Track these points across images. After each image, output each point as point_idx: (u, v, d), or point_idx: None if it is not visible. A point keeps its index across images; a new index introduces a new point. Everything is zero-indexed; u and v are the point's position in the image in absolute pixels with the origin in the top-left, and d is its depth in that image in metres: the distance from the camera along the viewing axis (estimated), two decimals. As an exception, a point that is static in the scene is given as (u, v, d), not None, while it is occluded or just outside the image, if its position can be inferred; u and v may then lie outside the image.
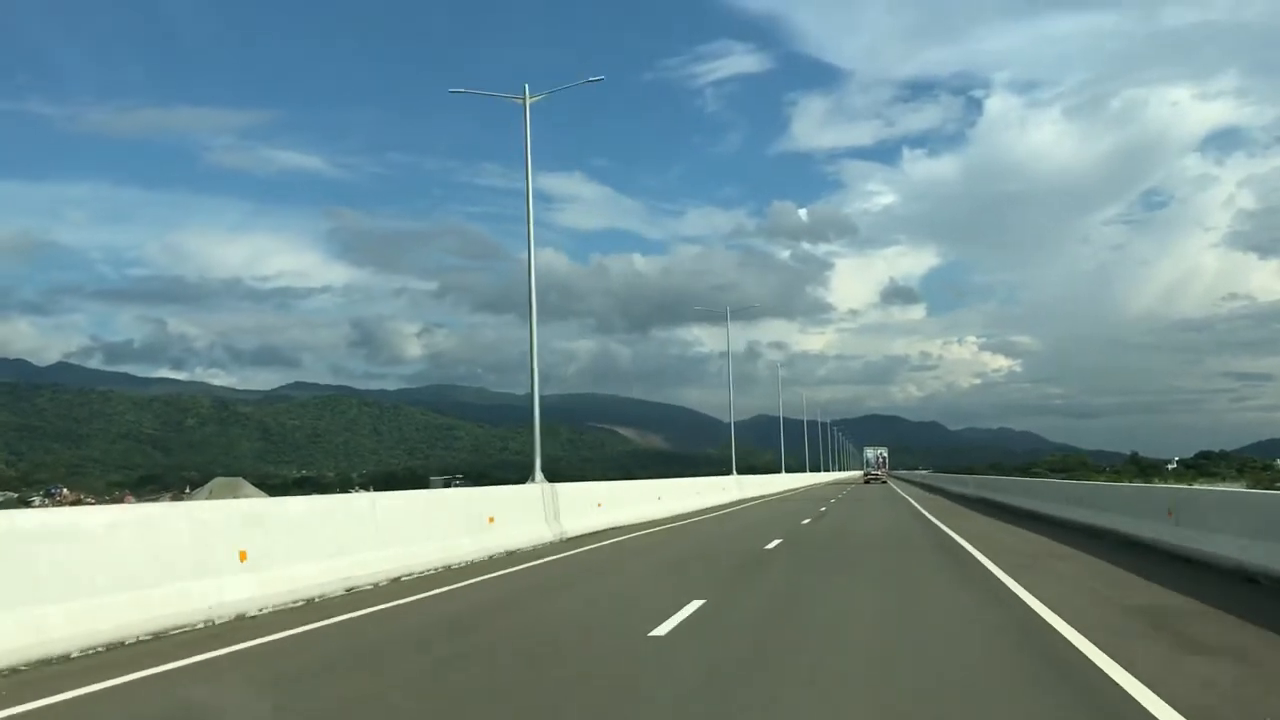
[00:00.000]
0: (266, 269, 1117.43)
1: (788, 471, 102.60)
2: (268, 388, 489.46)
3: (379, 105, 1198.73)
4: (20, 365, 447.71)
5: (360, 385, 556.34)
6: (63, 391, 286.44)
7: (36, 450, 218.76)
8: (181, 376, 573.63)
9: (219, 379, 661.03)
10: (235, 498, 65.08)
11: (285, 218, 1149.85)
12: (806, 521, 27.33)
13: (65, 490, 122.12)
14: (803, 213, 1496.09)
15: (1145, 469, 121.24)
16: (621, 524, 27.29)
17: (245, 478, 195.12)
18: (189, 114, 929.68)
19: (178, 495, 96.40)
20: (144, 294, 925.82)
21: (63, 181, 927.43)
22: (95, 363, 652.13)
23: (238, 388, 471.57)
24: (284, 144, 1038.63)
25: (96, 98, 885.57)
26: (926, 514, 30.20)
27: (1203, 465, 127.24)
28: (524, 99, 28.80)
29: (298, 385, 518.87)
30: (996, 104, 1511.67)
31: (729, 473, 66.76)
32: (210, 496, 78.67)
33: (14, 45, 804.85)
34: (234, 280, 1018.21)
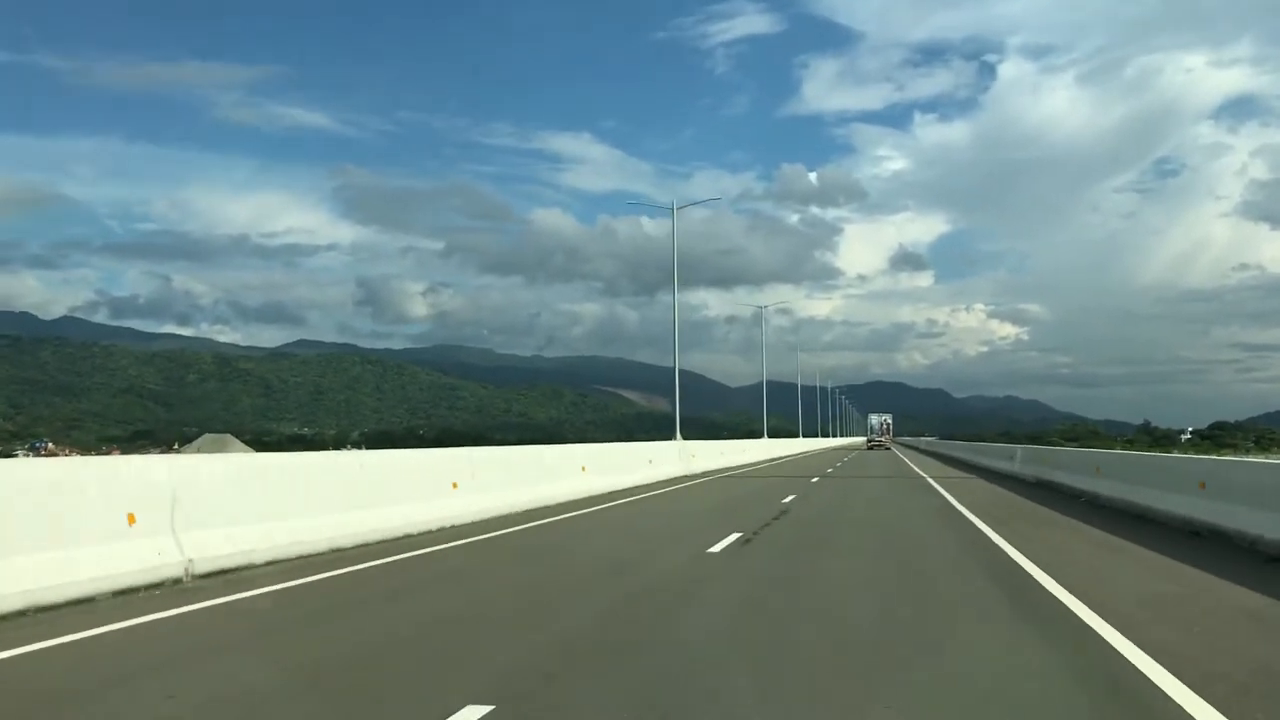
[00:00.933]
0: (273, 226, 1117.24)
1: (785, 437, 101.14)
2: (273, 345, 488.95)
3: (388, 62, 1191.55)
4: (25, 319, 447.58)
5: (366, 344, 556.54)
6: (65, 345, 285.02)
7: (37, 404, 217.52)
8: (187, 332, 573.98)
9: (224, 335, 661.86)
10: (225, 452, 63.46)
11: (293, 175, 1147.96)
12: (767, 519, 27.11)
13: (50, 444, 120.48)
14: (813, 176, 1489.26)
15: (1159, 439, 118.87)
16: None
17: (245, 433, 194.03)
18: (196, 69, 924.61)
19: (167, 450, 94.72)
20: (151, 249, 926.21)
21: (71, 136, 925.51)
22: (101, 317, 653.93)
23: (242, 344, 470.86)
24: (292, 101, 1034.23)
25: (104, 52, 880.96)
26: (968, 515, 18.03)
27: (1218, 436, 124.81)
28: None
29: (302, 343, 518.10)
30: (1009, 69, 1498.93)
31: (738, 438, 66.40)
32: (199, 452, 77.04)
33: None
34: (241, 237, 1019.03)
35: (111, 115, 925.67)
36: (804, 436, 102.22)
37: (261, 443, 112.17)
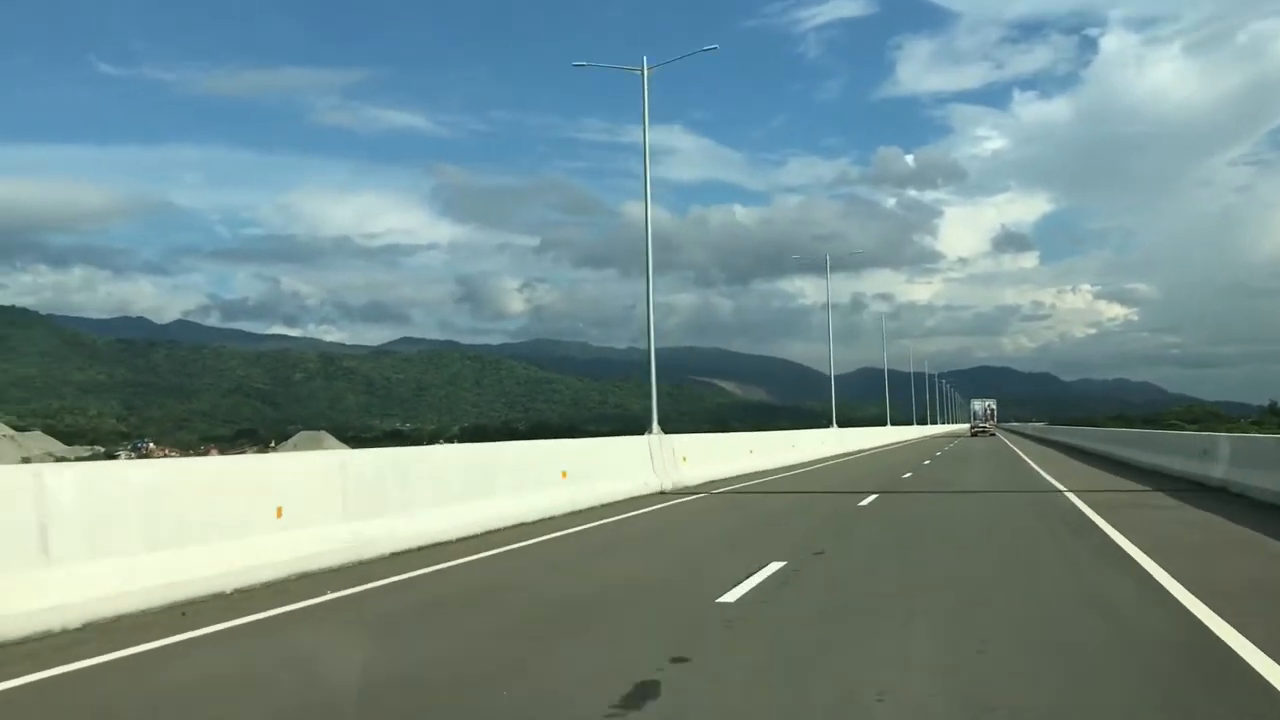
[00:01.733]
0: (374, 227, 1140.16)
1: (893, 425, 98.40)
2: (377, 343, 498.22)
3: (480, 62, 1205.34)
4: (142, 323, 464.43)
5: (466, 340, 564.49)
6: (177, 348, 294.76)
7: (150, 405, 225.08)
8: (294, 333, 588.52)
9: (330, 335, 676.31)
10: (319, 449, 64.13)
11: (391, 176, 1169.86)
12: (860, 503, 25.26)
13: (152, 444, 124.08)
14: (909, 158, 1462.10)
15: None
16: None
17: (348, 430, 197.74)
18: (294, 74, 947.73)
19: (265, 448, 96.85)
20: (258, 253, 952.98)
21: (179, 145, 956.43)
22: (213, 320, 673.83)
23: (348, 343, 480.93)
24: (387, 103, 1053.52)
25: (207, 62, 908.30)
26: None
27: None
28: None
29: (405, 340, 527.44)
30: (1112, 42, 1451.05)
31: (829, 425, 63.44)
32: (294, 449, 78.59)
33: (128, 13, 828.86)
34: (343, 238, 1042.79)
35: (216, 124, 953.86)
36: (893, 424, 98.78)
37: (360, 439, 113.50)
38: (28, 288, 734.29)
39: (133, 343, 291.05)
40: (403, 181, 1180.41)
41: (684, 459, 25.16)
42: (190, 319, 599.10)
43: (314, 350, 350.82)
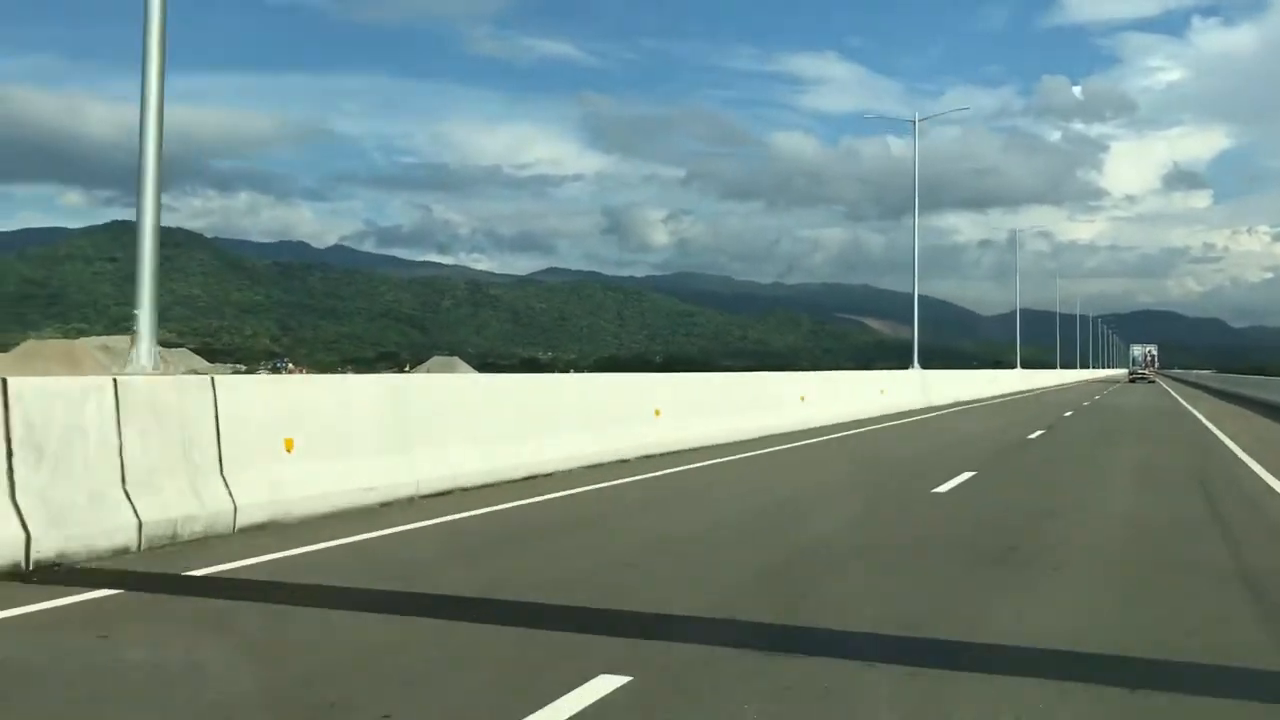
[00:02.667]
0: (524, 157, 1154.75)
1: (1040, 368, 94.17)
2: (524, 273, 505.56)
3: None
4: (302, 247, 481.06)
5: (610, 271, 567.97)
6: (331, 272, 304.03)
7: (304, 326, 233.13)
8: (446, 260, 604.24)
9: (480, 263, 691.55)
10: (453, 372, 64.34)
11: (541, 107, 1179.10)
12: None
13: (291, 365, 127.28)
14: (1076, 90, 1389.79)
15: None
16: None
17: (494, 356, 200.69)
18: (448, 1, 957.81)
19: (399, 371, 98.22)
20: (412, 181, 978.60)
21: (340, 73, 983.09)
22: (369, 246, 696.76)
23: (496, 271, 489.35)
24: (539, 31, 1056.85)
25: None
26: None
27: None
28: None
29: (551, 270, 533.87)
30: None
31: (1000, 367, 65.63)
32: (428, 372, 79.07)
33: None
34: (494, 168, 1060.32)
35: (374, 53, 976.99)
36: (1061, 368, 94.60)
37: (496, 366, 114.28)
38: (197, 211, 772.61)
39: (290, 266, 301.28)
40: (552, 112, 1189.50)
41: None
42: (347, 244, 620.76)
43: (462, 278, 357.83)
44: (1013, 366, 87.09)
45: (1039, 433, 20.65)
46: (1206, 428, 22.67)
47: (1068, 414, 28.82)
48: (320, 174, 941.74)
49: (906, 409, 28.90)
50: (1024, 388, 60.48)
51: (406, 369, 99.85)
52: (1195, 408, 34.14)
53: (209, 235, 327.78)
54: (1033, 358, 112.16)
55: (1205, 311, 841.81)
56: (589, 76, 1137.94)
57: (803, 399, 21.28)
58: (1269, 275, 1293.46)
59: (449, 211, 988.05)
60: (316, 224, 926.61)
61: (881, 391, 27.42)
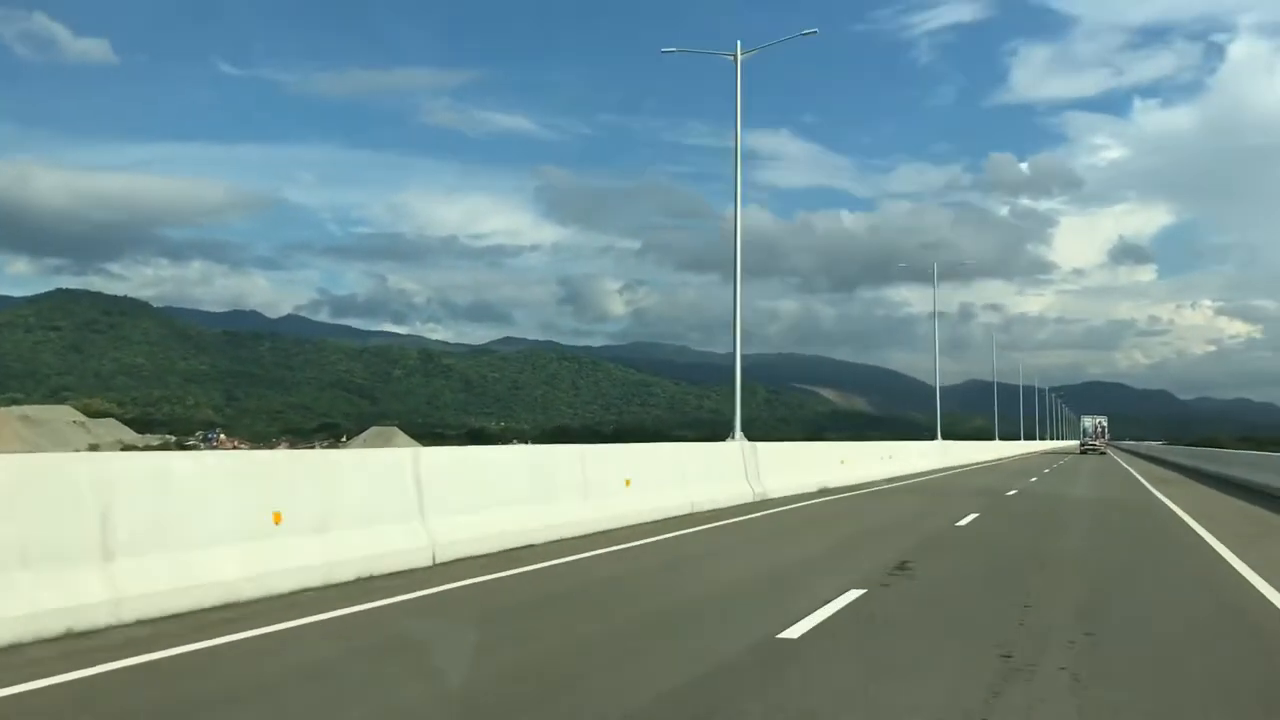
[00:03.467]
0: (480, 228, 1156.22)
1: (1000, 439, 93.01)
2: (479, 342, 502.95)
3: (586, 65, 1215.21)
4: (254, 316, 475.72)
5: (567, 341, 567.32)
6: (281, 341, 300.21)
7: (251, 396, 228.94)
8: (401, 330, 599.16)
9: (436, 333, 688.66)
10: (390, 445, 62.11)
11: (497, 178, 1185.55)
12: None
13: (223, 435, 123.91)
14: (1024, 166, 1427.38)
15: None
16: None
17: (447, 427, 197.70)
18: (404, 75, 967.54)
19: (333, 443, 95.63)
20: (367, 251, 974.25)
21: (294, 144, 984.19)
22: (323, 315, 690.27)
23: (451, 341, 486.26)
24: (495, 105, 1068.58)
25: (321, 62, 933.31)
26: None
27: None
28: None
29: (507, 340, 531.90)
30: (1241, 49, 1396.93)
31: (933, 438, 59.37)
32: (364, 445, 77.09)
33: (247, 14, 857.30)
34: (450, 238, 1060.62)
35: (329, 123, 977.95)
36: (1000, 439, 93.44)
37: (441, 437, 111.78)
38: (148, 280, 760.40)
39: (239, 335, 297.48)
40: (509, 184, 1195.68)
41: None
42: (301, 313, 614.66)
43: (416, 347, 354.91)
44: (966, 438, 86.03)
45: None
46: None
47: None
48: (274, 243, 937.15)
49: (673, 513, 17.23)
50: (936, 466, 44.20)
51: (344, 441, 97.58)
52: (1177, 505, 21.58)
53: (158, 304, 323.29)
54: (986, 428, 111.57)
55: (1152, 383, 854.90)
56: (545, 150, 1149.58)
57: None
58: (1212, 348, 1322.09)
59: (405, 281, 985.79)
60: (270, 293, 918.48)
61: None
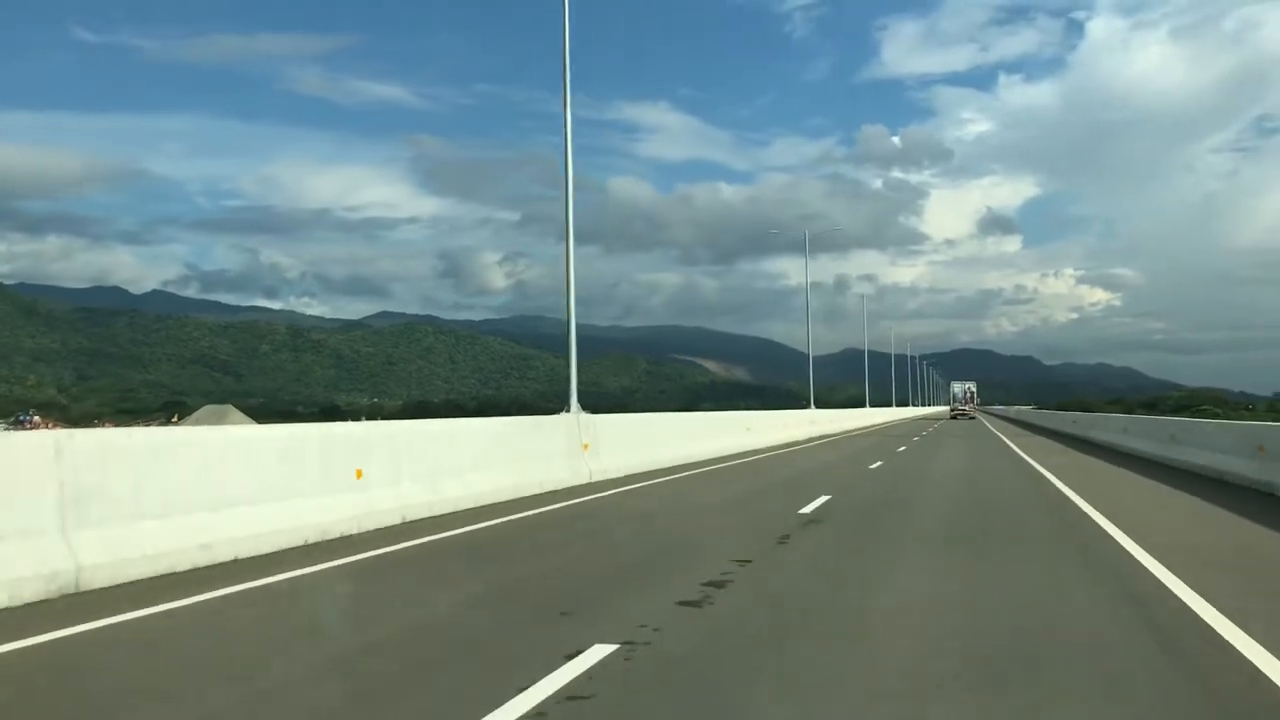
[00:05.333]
0: (355, 200, 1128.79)
1: (872, 406, 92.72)
2: (356, 317, 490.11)
3: (461, 32, 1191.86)
4: (117, 293, 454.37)
5: (448, 315, 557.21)
6: (141, 318, 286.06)
7: (105, 374, 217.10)
8: (275, 305, 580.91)
9: (311, 308, 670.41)
10: (224, 424, 57.60)
11: (373, 149, 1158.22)
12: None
13: (37, 417, 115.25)
14: (895, 139, 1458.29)
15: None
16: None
17: (314, 404, 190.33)
18: (273, 41, 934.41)
19: (166, 421, 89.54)
20: (238, 224, 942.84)
21: (159, 113, 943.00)
22: (191, 291, 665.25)
23: (326, 316, 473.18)
24: (370, 74, 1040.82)
25: (185, 29, 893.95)
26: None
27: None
28: None
29: (385, 315, 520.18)
30: (1099, 26, 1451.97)
31: (808, 406, 57.83)
32: (197, 424, 72.31)
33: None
34: (323, 211, 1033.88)
35: (196, 93, 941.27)
36: (872, 405, 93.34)
37: (295, 415, 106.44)
38: (1, 256, 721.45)
39: (95, 311, 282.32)
40: (384, 154, 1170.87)
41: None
42: (169, 290, 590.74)
43: (285, 322, 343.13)
44: (841, 405, 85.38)
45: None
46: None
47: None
48: (139, 217, 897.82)
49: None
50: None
51: (175, 420, 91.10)
52: (1064, 480, 16.49)
53: (9, 282, 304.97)
54: (860, 396, 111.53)
55: (1019, 350, 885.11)
56: (422, 120, 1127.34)
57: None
58: (1075, 316, 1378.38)
59: (277, 255, 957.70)
60: (135, 269, 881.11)
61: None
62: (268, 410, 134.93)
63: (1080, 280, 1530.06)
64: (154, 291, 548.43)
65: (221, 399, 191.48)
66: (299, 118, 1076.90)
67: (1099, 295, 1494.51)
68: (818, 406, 60.56)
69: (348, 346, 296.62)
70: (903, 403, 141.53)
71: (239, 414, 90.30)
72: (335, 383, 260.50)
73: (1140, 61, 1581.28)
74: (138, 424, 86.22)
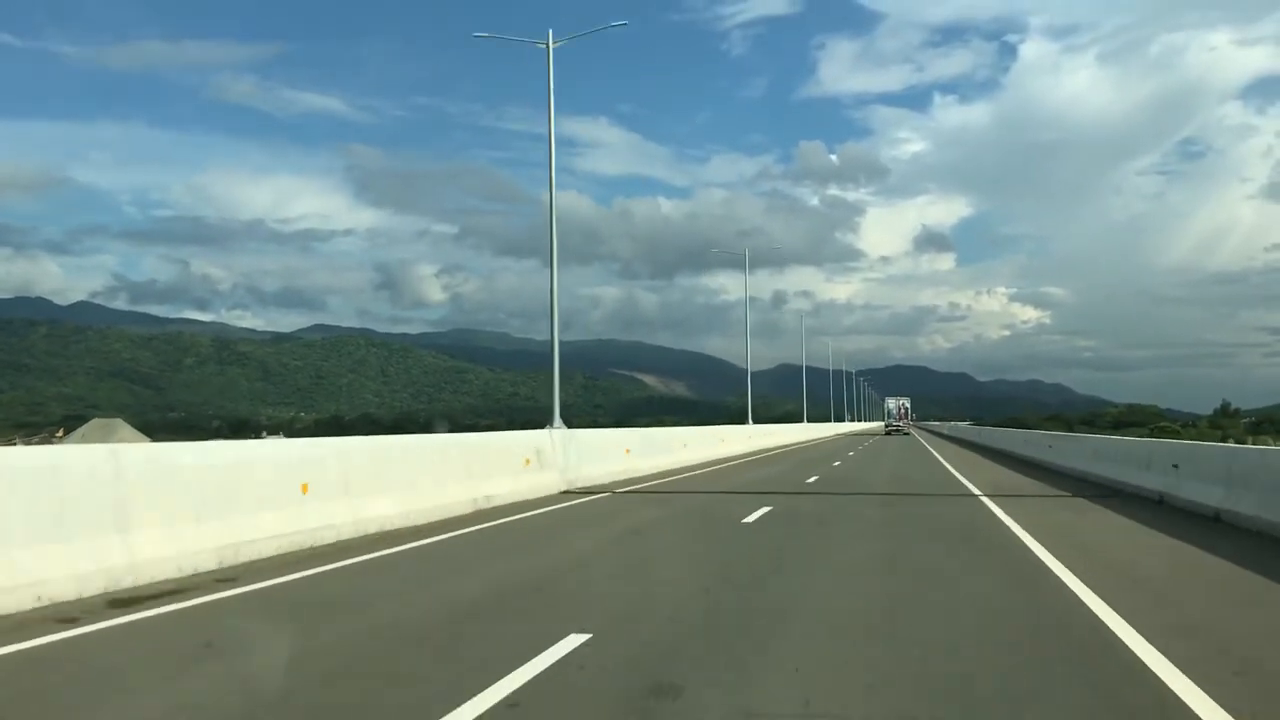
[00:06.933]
0: (289, 211, 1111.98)
1: (810, 422, 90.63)
2: (291, 330, 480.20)
3: (396, 41, 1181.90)
4: (41, 304, 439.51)
5: (383, 328, 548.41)
6: (60, 329, 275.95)
7: (16, 387, 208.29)
8: (206, 318, 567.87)
9: (244, 321, 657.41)
10: (109, 441, 53.43)
11: (307, 159, 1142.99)
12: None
13: None
14: (833, 157, 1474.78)
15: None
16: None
17: (238, 418, 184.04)
18: (203, 48, 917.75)
19: (47, 439, 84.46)
20: (168, 235, 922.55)
21: (88, 121, 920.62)
22: (120, 302, 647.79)
23: (260, 329, 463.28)
24: (302, 84, 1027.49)
25: (112, 35, 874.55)
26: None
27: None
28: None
29: (319, 328, 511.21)
30: (1031, 49, 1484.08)
31: (745, 422, 55.61)
32: (83, 439, 67.91)
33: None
34: (256, 222, 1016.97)
35: (125, 101, 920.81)
36: (809, 421, 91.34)
37: (199, 430, 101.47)
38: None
39: (11, 322, 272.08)
40: (318, 165, 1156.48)
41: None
42: (96, 301, 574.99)
43: (211, 335, 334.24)
44: (778, 421, 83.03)
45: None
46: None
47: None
48: (64, 226, 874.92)
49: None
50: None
51: (59, 435, 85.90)
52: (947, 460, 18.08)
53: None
54: (797, 411, 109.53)
55: (953, 366, 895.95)
56: (357, 132, 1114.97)
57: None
58: (1007, 333, 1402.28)
59: (209, 266, 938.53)
60: (61, 280, 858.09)
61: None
62: (183, 426, 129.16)
63: (1012, 298, 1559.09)
64: (80, 303, 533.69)
65: (141, 413, 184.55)
66: (231, 127, 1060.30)
67: (1030, 313, 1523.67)
68: (757, 422, 58.71)
69: (275, 360, 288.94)
70: (839, 418, 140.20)
71: (129, 429, 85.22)
72: (262, 396, 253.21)
73: (1070, 84, 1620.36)
74: (34, 440, 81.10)
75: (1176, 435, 52.13)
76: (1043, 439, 33.96)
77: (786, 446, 50.64)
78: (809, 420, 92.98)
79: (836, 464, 31.79)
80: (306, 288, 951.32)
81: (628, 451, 24.87)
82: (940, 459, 35.70)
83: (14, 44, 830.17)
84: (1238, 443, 35.35)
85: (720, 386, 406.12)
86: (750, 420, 57.80)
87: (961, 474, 26.29)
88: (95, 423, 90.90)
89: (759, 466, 31.06)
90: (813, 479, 24.11)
